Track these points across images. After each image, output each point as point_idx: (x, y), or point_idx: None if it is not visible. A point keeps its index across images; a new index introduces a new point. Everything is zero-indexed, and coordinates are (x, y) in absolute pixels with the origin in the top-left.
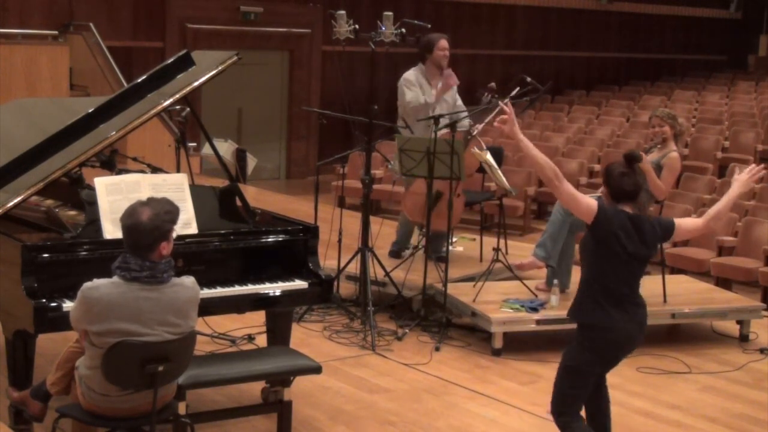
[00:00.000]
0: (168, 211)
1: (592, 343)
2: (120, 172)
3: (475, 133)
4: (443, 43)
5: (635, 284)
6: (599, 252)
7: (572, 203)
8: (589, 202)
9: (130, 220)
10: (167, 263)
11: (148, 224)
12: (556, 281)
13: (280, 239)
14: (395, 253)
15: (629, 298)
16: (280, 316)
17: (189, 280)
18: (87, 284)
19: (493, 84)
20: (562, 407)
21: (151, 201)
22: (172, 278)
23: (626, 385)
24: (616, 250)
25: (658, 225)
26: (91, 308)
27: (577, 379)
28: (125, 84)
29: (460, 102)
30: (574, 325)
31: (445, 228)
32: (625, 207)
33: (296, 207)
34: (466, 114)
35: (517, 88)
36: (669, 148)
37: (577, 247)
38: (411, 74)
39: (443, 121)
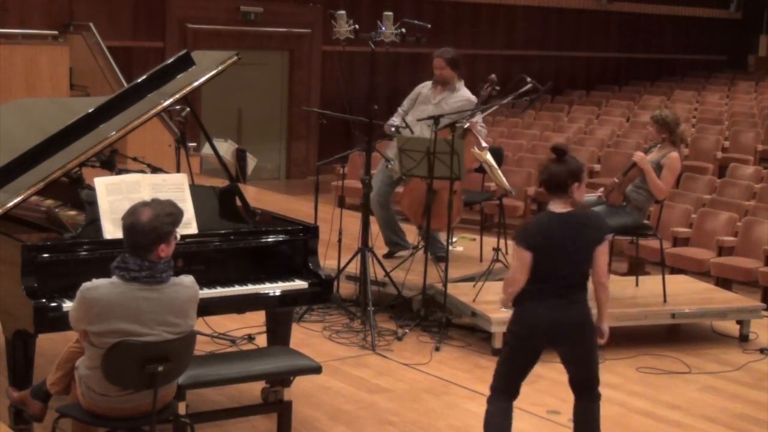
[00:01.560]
0: (169, 213)
1: (514, 325)
2: (120, 172)
3: (466, 125)
4: (435, 61)
5: (566, 280)
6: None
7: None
8: (524, 259)
9: (129, 219)
10: (166, 263)
11: (147, 225)
12: None
13: (280, 239)
14: (389, 254)
15: (558, 292)
16: (280, 316)
17: (188, 280)
18: (86, 284)
19: (493, 76)
20: (493, 380)
21: (153, 202)
22: (171, 278)
23: (626, 385)
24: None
25: (594, 225)
26: (91, 309)
27: (505, 354)
28: (125, 84)
29: (463, 100)
30: None
31: (441, 228)
32: (557, 203)
33: (296, 207)
34: (468, 113)
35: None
36: (669, 148)
37: None
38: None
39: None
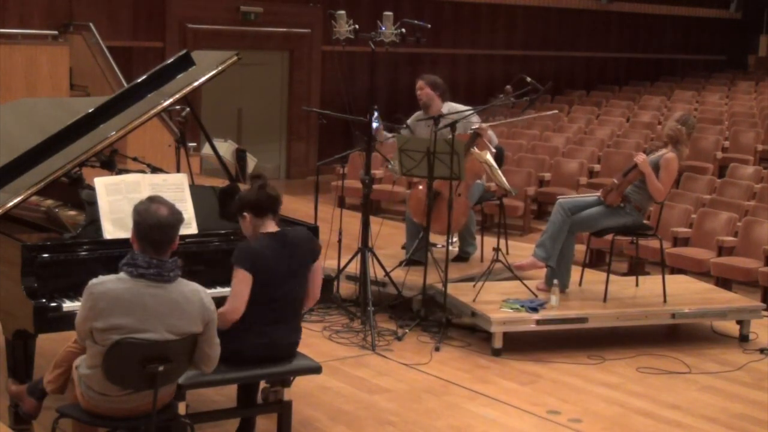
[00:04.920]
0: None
1: None
2: (120, 172)
3: (475, 127)
4: (418, 83)
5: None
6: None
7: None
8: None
9: (153, 216)
10: (174, 262)
11: (170, 219)
12: (555, 281)
13: None
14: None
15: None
16: None
17: (193, 283)
18: (93, 280)
19: (509, 87)
20: None
21: (156, 197)
22: (178, 278)
23: (626, 385)
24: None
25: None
26: (97, 303)
27: None
28: (125, 84)
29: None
30: (574, 325)
31: (442, 230)
32: (269, 223)
33: (296, 207)
34: (468, 113)
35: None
36: (667, 149)
37: (535, 249)
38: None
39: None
